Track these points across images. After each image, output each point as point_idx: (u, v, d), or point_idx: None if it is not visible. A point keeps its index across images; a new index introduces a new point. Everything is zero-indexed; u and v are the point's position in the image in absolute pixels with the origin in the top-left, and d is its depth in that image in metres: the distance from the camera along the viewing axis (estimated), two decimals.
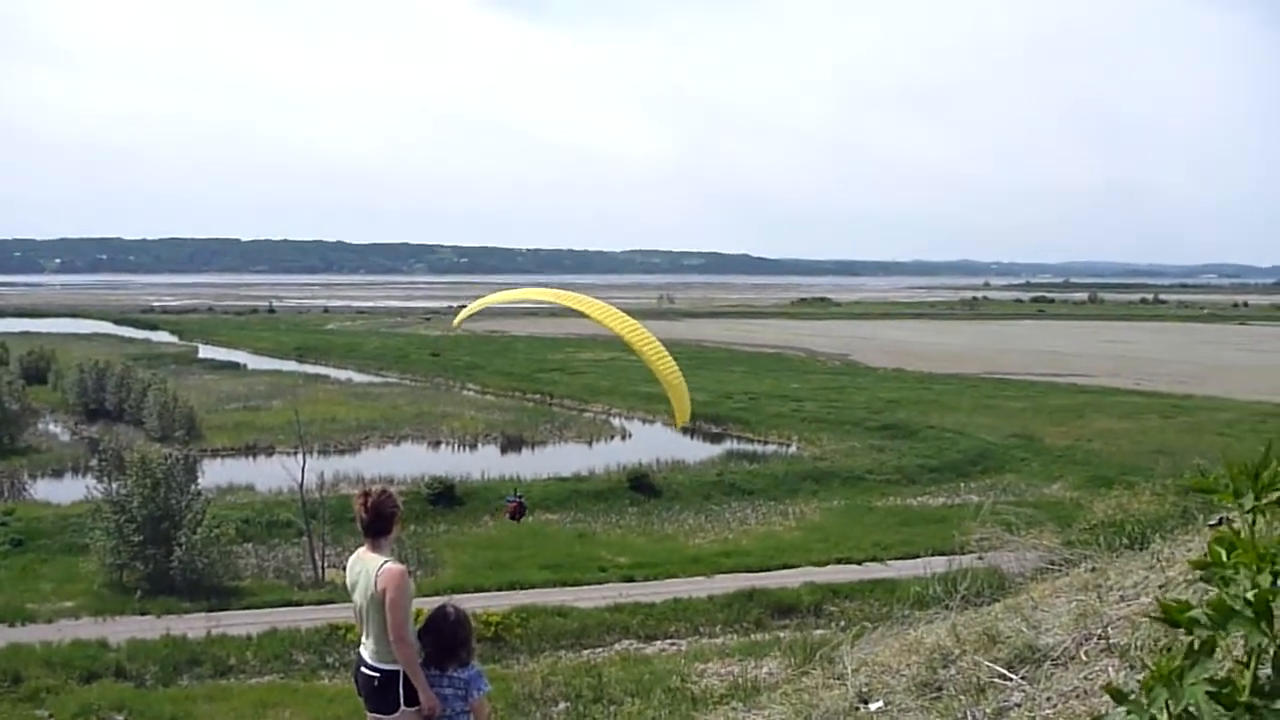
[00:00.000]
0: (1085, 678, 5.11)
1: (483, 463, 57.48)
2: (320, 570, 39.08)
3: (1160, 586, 6.61)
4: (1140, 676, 4.94)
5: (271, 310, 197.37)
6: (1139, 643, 5.12)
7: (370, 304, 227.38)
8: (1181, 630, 1.74)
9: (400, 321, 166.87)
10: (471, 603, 34.00)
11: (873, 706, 6.26)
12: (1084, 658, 5.43)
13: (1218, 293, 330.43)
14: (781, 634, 34.03)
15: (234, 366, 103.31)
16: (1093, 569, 8.17)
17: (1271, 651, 1.62)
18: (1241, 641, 1.71)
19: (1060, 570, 8.98)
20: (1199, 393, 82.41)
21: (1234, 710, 1.57)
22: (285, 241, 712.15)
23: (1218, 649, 1.63)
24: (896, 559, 40.71)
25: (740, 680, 12.69)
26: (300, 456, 44.52)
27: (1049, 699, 5.05)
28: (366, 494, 5.65)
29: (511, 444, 67.33)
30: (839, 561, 41.64)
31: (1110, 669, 5.02)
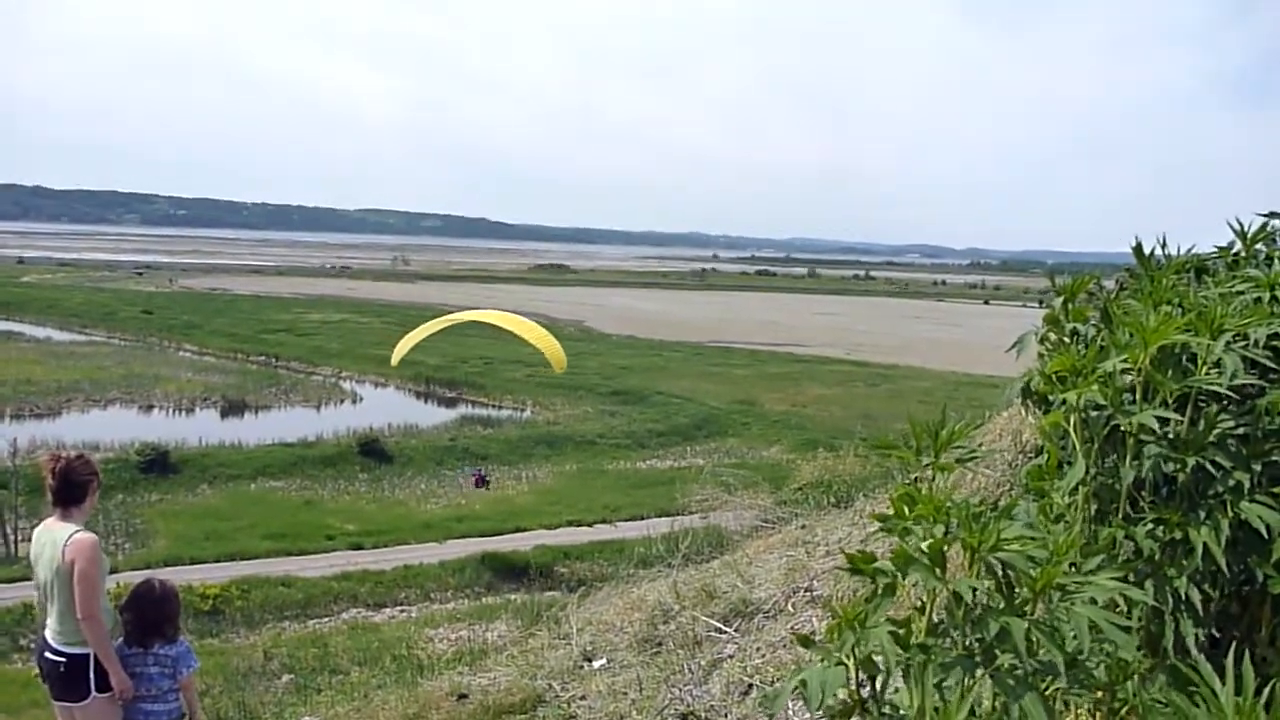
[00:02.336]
0: (793, 629, 5.44)
1: (201, 428, 54.33)
2: (13, 545, 35.87)
3: (862, 541, 7.11)
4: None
5: None
6: (841, 594, 5.49)
7: (74, 255, 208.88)
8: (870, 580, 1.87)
9: (108, 275, 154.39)
10: (188, 575, 32.33)
11: (596, 664, 6.41)
12: (791, 609, 5.78)
13: (920, 271, 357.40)
14: (512, 597, 34.34)
15: None
16: (802, 526, 8.69)
17: (942, 596, 1.76)
18: (919, 589, 1.85)
19: (774, 528, 9.50)
20: (902, 363, 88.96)
21: (910, 650, 1.70)
22: None
23: (899, 597, 1.76)
24: (625, 521, 41.79)
25: (469, 644, 12.69)
26: None
27: (759, 649, 5.34)
28: (56, 459, 5.18)
29: (233, 408, 63.89)
30: (570, 524, 42.35)
31: (814, 619, 5.36)
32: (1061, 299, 2.48)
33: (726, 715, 4.74)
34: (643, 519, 41.42)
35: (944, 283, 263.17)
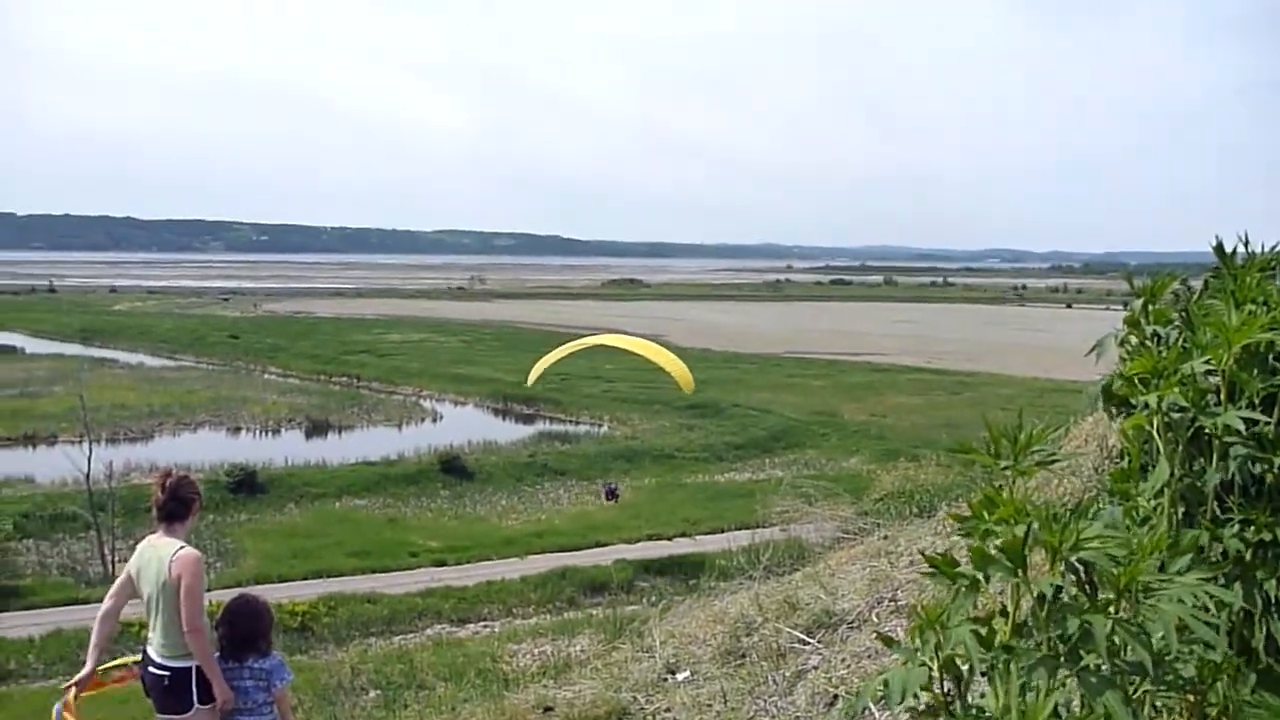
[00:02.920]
0: (876, 638, 5.41)
1: (286, 449, 55.56)
2: (110, 565, 36.97)
3: (946, 550, 7.04)
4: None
5: (52, 289, 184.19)
6: (925, 603, 5.46)
7: (163, 283, 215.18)
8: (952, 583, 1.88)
9: (196, 302, 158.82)
10: (276, 593, 32.95)
11: (679, 676, 6.43)
12: (876, 619, 5.75)
13: (1000, 276, 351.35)
14: (594, 612, 34.40)
15: (9, 350, 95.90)
16: (884, 536, 8.62)
17: (1027, 596, 1.77)
18: (1005, 593, 1.86)
19: (855, 539, 9.43)
20: (982, 370, 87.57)
21: (993, 651, 1.72)
22: (67, 216, 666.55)
23: (980, 597, 1.78)
24: (705, 534, 41.75)
25: (552, 658, 12.78)
26: (86, 445, 41.92)
27: (843, 660, 5.32)
28: (166, 475, 5.38)
29: (317, 428, 65.23)
30: (650, 538, 42.41)
31: (899, 629, 5.33)
32: (1141, 300, 2.46)
33: None
34: (722, 532, 41.36)
35: (1024, 287, 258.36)
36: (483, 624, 34.52)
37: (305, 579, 36.46)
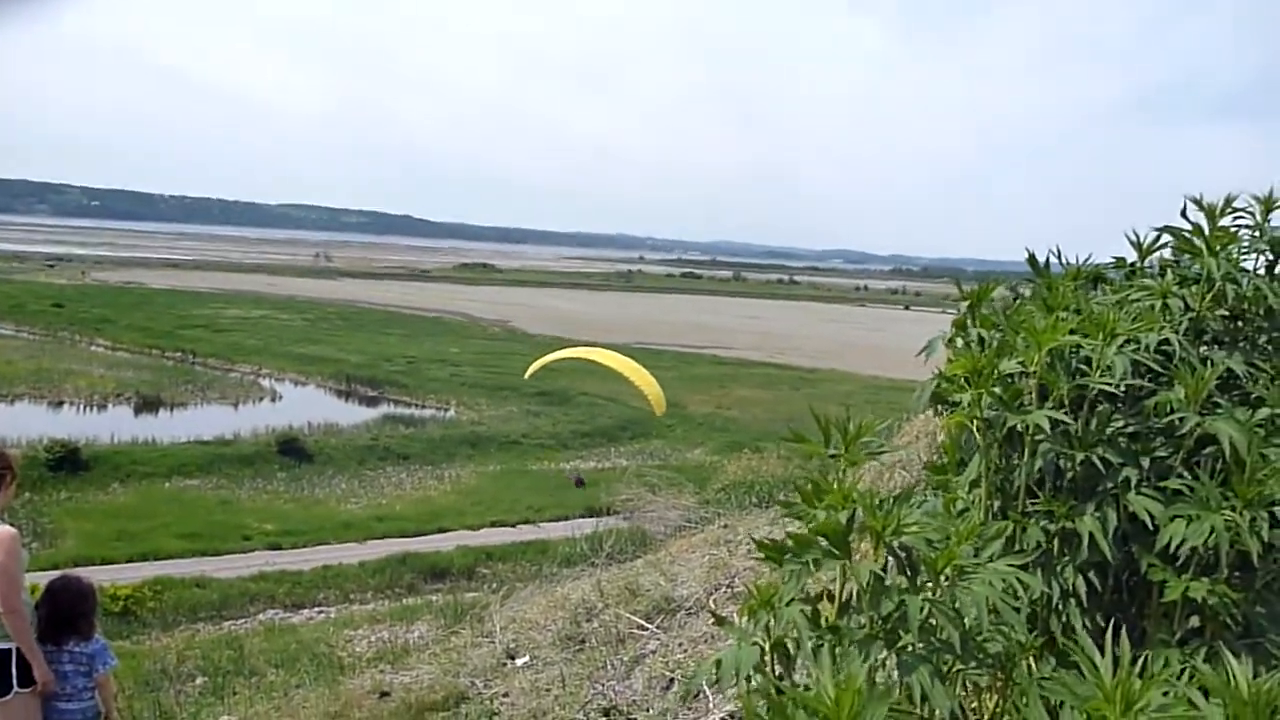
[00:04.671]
0: (713, 623, 5.56)
1: (113, 425, 53.03)
2: None
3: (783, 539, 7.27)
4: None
5: None
6: (746, 603, 5.63)
7: None
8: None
9: (17, 267, 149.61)
10: (99, 575, 31.43)
11: (519, 661, 6.47)
12: (713, 605, 5.90)
13: (843, 276, 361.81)
14: (434, 598, 34.08)
15: None
16: (724, 525, 8.85)
17: (853, 580, 1.87)
18: (833, 576, 1.96)
19: (697, 528, 9.64)
20: (824, 366, 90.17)
21: (821, 630, 1.81)
22: None
23: (810, 581, 1.87)
24: (549, 521, 41.78)
25: (390, 644, 12.62)
26: None
27: (680, 644, 5.45)
28: None
29: (148, 405, 62.37)
30: (493, 525, 42.24)
31: (735, 615, 5.49)
32: (967, 304, 2.62)
33: (649, 709, 4.83)
34: (567, 519, 41.47)
35: (866, 288, 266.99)
36: (318, 610, 33.75)
37: (130, 561, 34.98)
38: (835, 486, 1.91)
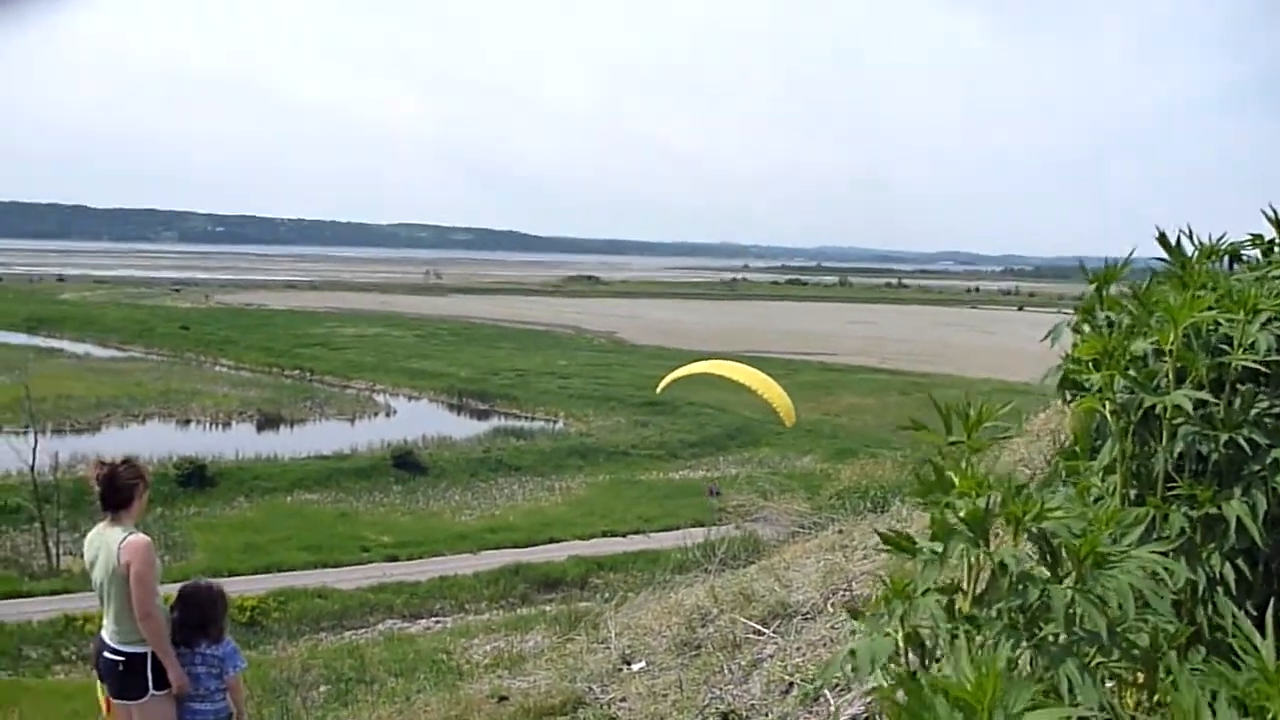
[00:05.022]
0: (831, 627, 5.47)
1: (237, 442, 54.93)
2: (55, 558, 36.38)
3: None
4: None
5: None
6: (881, 594, 5.53)
7: (112, 273, 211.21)
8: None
9: (146, 292, 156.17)
10: (226, 587, 32.61)
11: (635, 666, 6.46)
12: (830, 610, 5.81)
13: (953, 278, 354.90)
14: (547, 608, 34.38)
15: None
16: (839, 531, 8.72)
17: (986, 570, 1.81)
18: (961, 569, 1.90)
19: (810, 533, 9.53)
20: (935, 370, 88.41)
21: (957, 621, 1.75)
22: (13, 203, 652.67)
23: (942, 572, 1.82)
24: (659, 530, 41.81)
25: (506, 652, 12.77)
26: (32, 436, 41.18)
27: (798, 648, 5.38)
28: (101, 465, 5.32)
29: (269, 422, 64.50)
30: (604, 535, 42.45)
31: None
32: (1095, 286, 2.53)
33: (767, 714, 4.78)
34: (677, 528, 41.44)
35: (978, 289, 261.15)
36: (434, 620, 34.31)
37: (255, 573, 36.08)
38: (968, 473, 1.85)
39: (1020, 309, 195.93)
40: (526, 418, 68.52)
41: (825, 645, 5.26)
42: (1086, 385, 2.26)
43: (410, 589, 35.65)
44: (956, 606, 1.80)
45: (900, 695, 1.51)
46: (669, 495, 48.67)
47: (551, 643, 8.80)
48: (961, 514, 1.78)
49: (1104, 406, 2.14)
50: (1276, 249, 2.59)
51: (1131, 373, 2.12)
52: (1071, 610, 1.69)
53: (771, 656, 5.49)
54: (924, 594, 1.77)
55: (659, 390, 15.83)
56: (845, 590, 6.14)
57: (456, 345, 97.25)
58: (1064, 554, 1.78)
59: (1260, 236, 2.64)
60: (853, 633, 5.35)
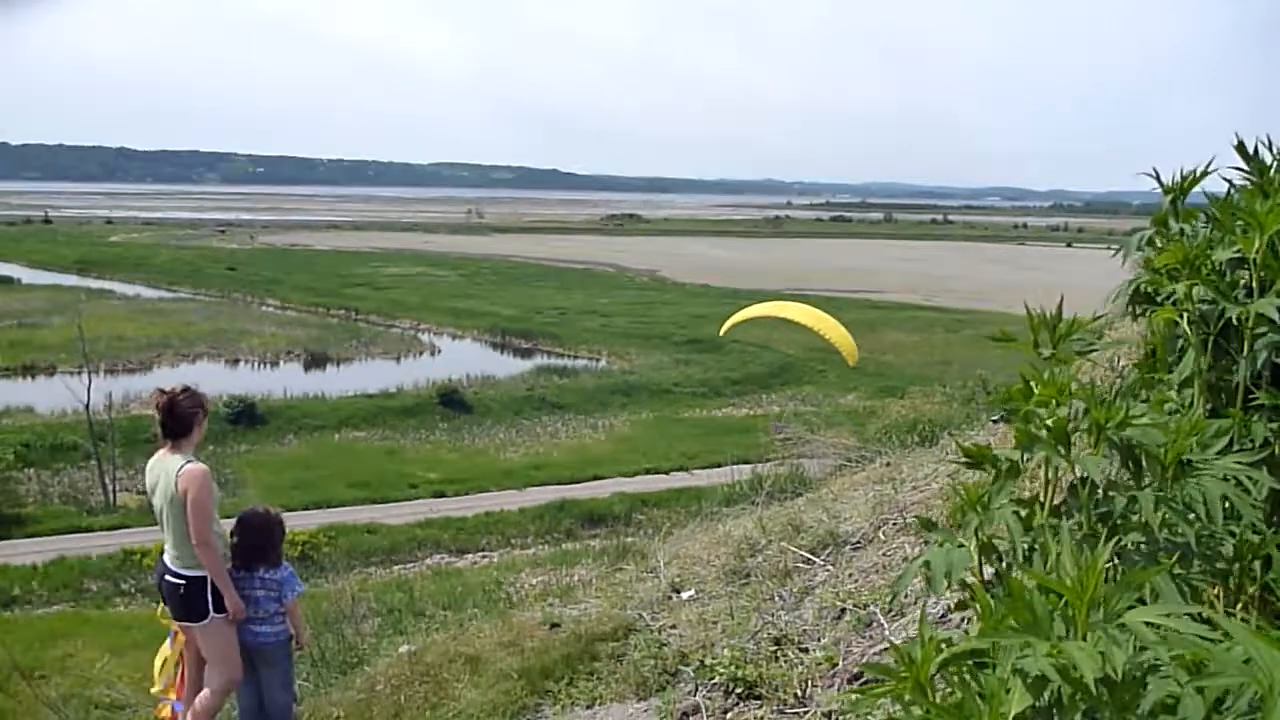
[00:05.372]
0: (884, 554, 5.46)
1: (285, 380, 55.67)
2: (111, 494, 37.26)
3: (950, 476, 7.08)
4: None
5: (47, 220, 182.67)
6: (932, 520, 5.49)
7: (159, 215, 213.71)
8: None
9: (192, 234, 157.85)
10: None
11: (685, 595, 6.50)
12: (881, 538, 5.79)
13: (1000, 214, 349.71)
14: (592, 543, 34.75)
15: (6, 281, 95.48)
16: (887, 464, 8.67)
17: (1066, 478, 1.77)
18: (1037, 482, 1.86)
19: (858, 466, 9.49)
20: (981, 308, 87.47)
21: (1033, 531, 1.72)
22: (61, 146, 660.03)
23: (1019, 481, 1.78)
24: (702, 468, 41.99)
25: (555, 584, 12.92)
26: (86, 375, 41.98)
27: (850, 575, 5.37)
28: (162, 393, 5.40)
29: (315, 361, 65.29)
30: (647, 472, 42.71)
31: (906, 545, 5.37)
32: (1170, 197, 2.44)
33: (820, 639, 4.79)
34: (719, 466, 41.59)
35: (1025, 226, 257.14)
36: (481, 554, 34.84)
37: (306, 509, 36.71)
38: (1050, 379, 1.80)
39: (1069, 245, 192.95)
40: (569, 356, 68.79)
41: (878, 571, 5.26)
42: (1161, 297, 2.19)
43: (457, 524, 36.16)
44: (1033, 518, 1.77)
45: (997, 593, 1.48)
46: (712, 433, 48.78)
47: (601, 573, 8.86)
48: (1046, 422, 1.74)
49: (1182, 317, 2.08)
50: None
51: (1211, 281, 2.05)
52: (1158, 515, 1.65)
53: (823, 583, 5.49)
54: (1000, 507, 1.73)
55: (722, 333, 15.82)
56: (895, 520, 6.11)
57: (499, 284, 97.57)
58: (1146, 462, 1.74)
59: None
60: (909, 560, 5.33)
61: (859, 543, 6.06)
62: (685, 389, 57.58)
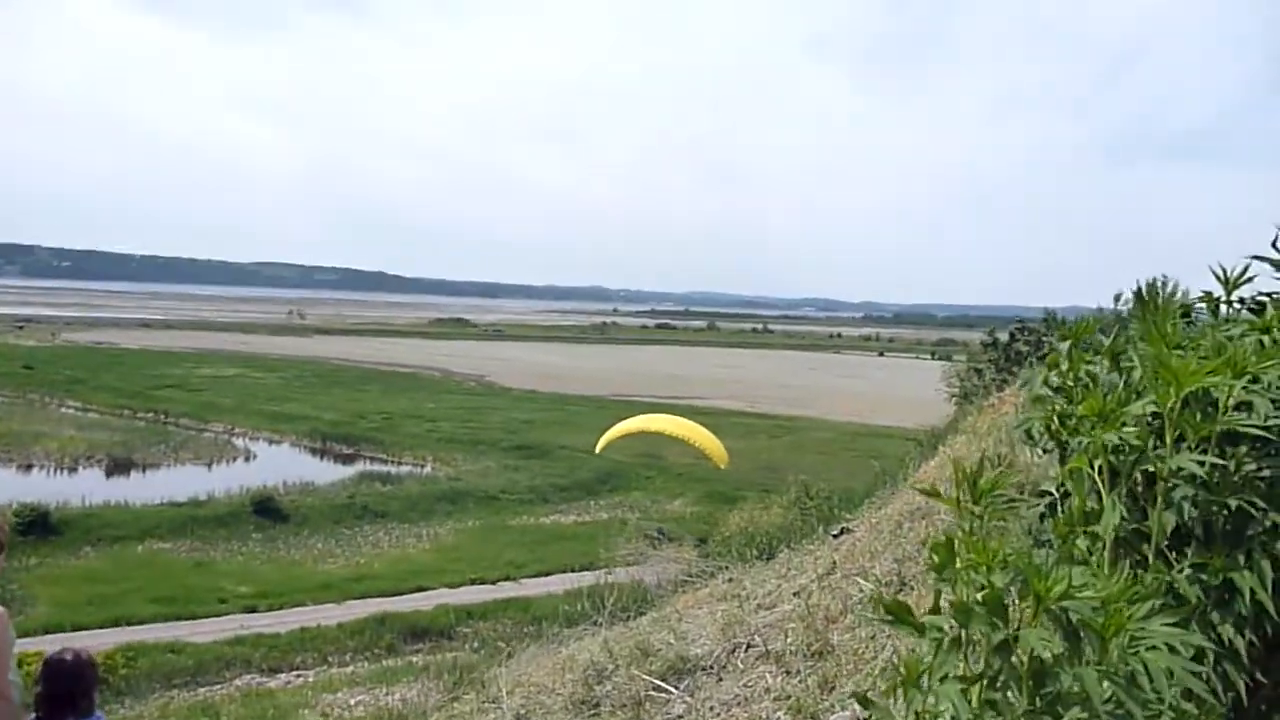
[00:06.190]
0: (744, 685, 5.31)
1: (84, 487, 52.18)
2: None
3: (794, 593, 7.04)
4: (797, 681, 5.20)
5: None
6: (791, 648, 5.40)
7: None
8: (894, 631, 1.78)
9: None
10: (70, 643, 30.78)
11: None
12: (739, 666, 5.65)
13: (816, 324, 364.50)
14: (414, 658, 33.54)
15: None
16: (729, 579, 8.61)
17: (1000, 645, 1.68)
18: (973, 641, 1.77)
19: (699, 581, 9.39)
20: (802, 414, 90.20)
21: (978, 709, 1.62)
22: None
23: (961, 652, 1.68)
24: (529, 577, 41.43)
25: (384, 709, 12.25)
26: None
27: (711, 709, 5.19)
28: None
29: (119, 466, 61.50)
30: (473, 582, 41.70)
31: (768, 675, 5.24)
32: (1068, 343, 2.46)
33: None
34: (548, 575, 41.10)
35: (840, 335, 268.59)
36: (296, 673, 33.11)
37: (102, 627, 34.17)
38: (982, 545, 1.72)
39: (881, 354, 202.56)
40: (394, 462, 67.11)
41: (740, 704, 5.10)
42: (1071, 444, 2.18)
43: (270, 641, 34.28)
44: (971, 693, 1.67)
45: None
46: (540, 541, 48.21)
47: (437, 701, 8.41)
48: (982, 595, 1.65)
49: (1093, 468, 2.06)
50: (1224, 307, 2.59)
51: (1132, 432, 2.04)
52: (1101, 693, 1.57)
53: (682, 716, 5.30)
54: (943, 681, 1.62)
55: (598, 451, 15.95)
56: (749, 644, 6.00)
57: (321, 388, 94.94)
58: (1085, 633, 1.67)
59: (1210, 294, 2.63)
60: (767, 690, 5.18)
61: (711, 667, 5.91)
62: (512, 496, 56.85)
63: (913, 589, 5.57)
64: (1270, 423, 2.02)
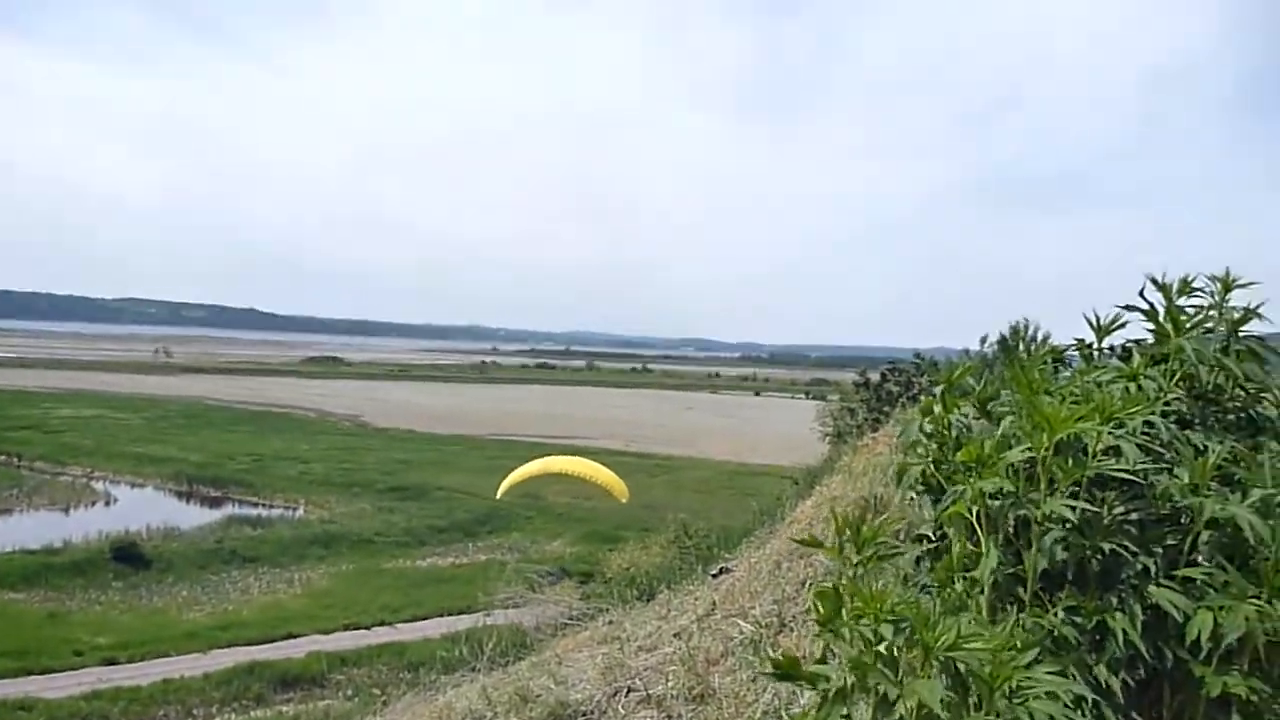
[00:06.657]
0: None
1: None
2: None
3: (675, 635, 7.02)
4: None
5: None
6: (673, 692, 5.36)
7: None
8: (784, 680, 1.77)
9: None
10: None
11: None
12: (621, 710, 5.58)
13: (695, 363, 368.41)
14: (285, 708, 32.44)
15: None
16: (609, 622, 8.54)
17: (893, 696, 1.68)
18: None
19: (579, 624, 9.30)
20: (679, 453, 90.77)
21: None
22: None
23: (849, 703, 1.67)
24: (405, 622, 40.59)
25: None
26: None
27: None
28: None
29: None
30: (347, 628, 40.64)
31: (650, 719, 5.19)
32: (941, 389, 2.51)
33: None
34: (424, 619, 40.31)
35: (718, 375, 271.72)
36: None
37: None
38: (868, 595, 1.73)
39: (757, 394, 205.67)
40: (264, 505, 65.11)
41: None
42: (950, 490, 2.21)
43: (130, 694, 32.75)
44: None
45: None
46: (416, 584, 47.31)
47: None
48: (881, 648, 1.65)
49: (972, 514, 2.09)
50: (1096, 354, 2.68)
51: (1007, 479, 2.08)
52: None
53: None
54: None
55: (498, 496, 15.83)
56: (630, 689, 5.94)
57: (188, 429, 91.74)
58: (974, 684, 1.68)
59: (1082, 340, 2.72)
60: None
61: (592, 713, 5.83)
62: (388, 538, 55.68)
63: (792, 630, 5.60)
64: (1138, 467, 2.09)
